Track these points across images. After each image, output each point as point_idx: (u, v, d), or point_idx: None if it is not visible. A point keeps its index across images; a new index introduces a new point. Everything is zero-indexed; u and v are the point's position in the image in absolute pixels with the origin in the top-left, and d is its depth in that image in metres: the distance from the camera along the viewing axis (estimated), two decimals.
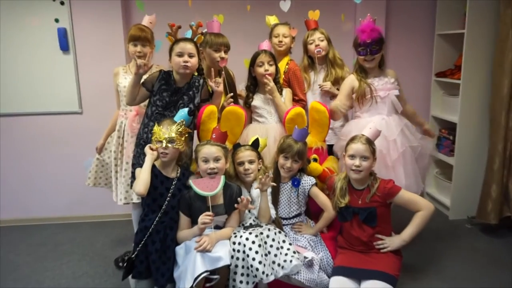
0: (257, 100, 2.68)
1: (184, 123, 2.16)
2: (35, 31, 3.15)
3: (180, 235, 2.12)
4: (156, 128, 2.14)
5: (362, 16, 2.64)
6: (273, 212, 2.27)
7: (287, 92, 2.70)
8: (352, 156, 2.18)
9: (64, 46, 3.18)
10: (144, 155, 2.15)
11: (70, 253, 2.92)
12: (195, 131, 2.44)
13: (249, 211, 2.24)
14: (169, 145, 2.10)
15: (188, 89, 2.35)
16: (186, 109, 2.22)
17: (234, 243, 2.03)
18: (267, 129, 2.61)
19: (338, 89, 2.70)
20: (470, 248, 2.83)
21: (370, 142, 2.20)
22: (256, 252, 1.97)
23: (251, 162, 2.29)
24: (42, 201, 3.42)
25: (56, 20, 3.15)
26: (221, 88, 2.41)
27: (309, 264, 2.12)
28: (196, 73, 2.42)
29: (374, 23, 2.47)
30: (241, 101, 2.77)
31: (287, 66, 2.79)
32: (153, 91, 2.33)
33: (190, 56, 2.27)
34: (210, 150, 2.14)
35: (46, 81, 3.23)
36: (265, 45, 2.64)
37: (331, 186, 2.32)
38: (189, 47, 2.28)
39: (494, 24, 3.02)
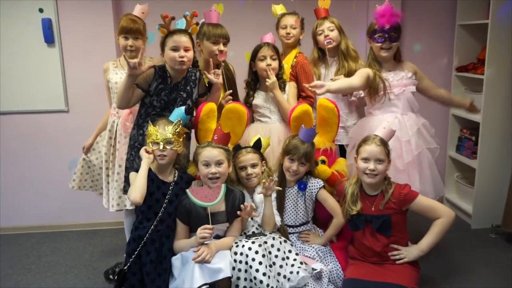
0: (258, 98, 2.70)
1: (181, 122, 2.17)
2: (17, 22, 3.17)
3: (176, 245, 2.15)
4: (151, 128, 2.15)
5: (374, 4, 2.66)
6: (278, 219, 2.29)
7: (290, 86, 2.70)
8: (366, 159, 2.20)
9: (49, 39, 3.21)
10: (139, 158, 2.17)
11: (56, 265, 2.94)
12: (193, 131, 2.46)
13: (252, 218, 2.26)
14: (167, 147, 2.12)
15: (186, 84, 2.37)
16: (182, 108, 2.23)
17: (235, 253, 2.05)
18: (270, 129, 2.63)
19: None
20: (494, 260, 2.84)
21: (384, 143, 2.21)
22: (260, 263, 1.99)
23: (253, 166, 2.31)
24: (24, 208, 3.44)
25: (40, 10, 3.18)
26: (220, 80, 2.43)
27: (318, 277, 2.14)
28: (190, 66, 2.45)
29: (393, 8, 2.46)
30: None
31: (295, 60, 2.80)
32: (149, 91, 2.33)
33: (186, 50, 2.29)
34: (211, 153, 2.16)
35: (29, 76, 3.25)
36: (268, 37, 2.66)
37: (341, 192, 2.34)
38: (184, 40, 2.29)
39: None
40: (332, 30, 2.78)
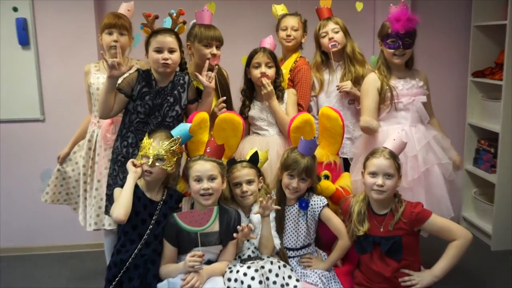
0: (255, 109, 2.71)
1: (180, 140, 2.17)
2: None
3: (163, 269, 2.13)
4: (145, 140, 2.15)
5: (382, 6, 2.68)
6: (277, 241, 2.29)
7: (289, 94, 2.71)
8: (373, 174, 2.20)
9: (24, 40, 3.22)
10: (123, 173, 2.17)
11: None
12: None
13: (248, 240, 2.25)
14: (157, 163, 2.12)
15: (173, 89, 2.38)
16: (188, 125, 2.23)
17: (229, 279, 2.03)
18: (268, 142, 2.63)
19: (360, 91, 2.69)
20: None
21: (394, 157, 2.22)
22: None
23: (249, 182, 2.31)
24: None
25: (15, 9, 3.20)
26: (213, 83, 2.42)
27: None
28: (178, 69, 2.46)
29: (409, 11, 2.47)
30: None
31: (294, 64, 2.82)
32: (132, 95, 2.34)
33: (171, 51, 2.30)
34: (203, 166, 2.15)
35: (1, 82, 3.26)
36: (268, 41, 2.67)
37: (346, 210, 2.34)
38: (169, 40, 2.30)
39: None
40: (336, 32, 2.80)
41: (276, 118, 2.65)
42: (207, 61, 2.45)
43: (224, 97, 2.62)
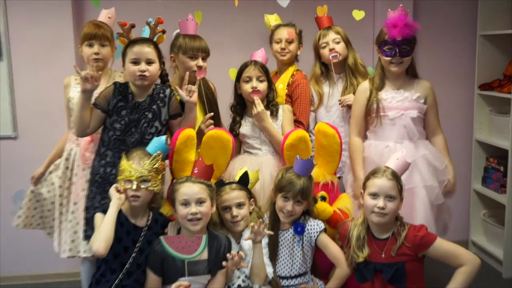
0: (246, 126, 2.72)
1: (161, 156, 2.18)
2: None
3: None
4: (124, 163, 2.15)
5: (382, 13, 2.73)
6: (269, 270, 2.29)
7: (284, 110, 2.73)
8: (374, 195, 2.22)
9: None
10: (101, 195, 2.18)
11: None
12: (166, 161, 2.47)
13: (239, 269, 2.25)
14: (142, 186, 2.12)
15: (151, 103, 2.38)
16: (163, 137, 2.24)
17: None
18: (260, 162, 2.65)
19: None
20: None
21: (397, 178, 2.24)
22: None
23: (239, 205, 2.31)
24: None
25: None
26: (194, 98, 2.42)
27: None
28: (159, 81, 2.48)
29: (407, 17, 2.52)
30: None
31: (291, 78, 2.85)
32: (109, 110, 2.35)
33: (149, 62, 2.32)
34: (191, 189, 2.15)
35: None
36: (260, 54, 2.71)
37: (344, 235, 2.35)
38: (147, 50, 2.32)
39: None
40: (338, 43, 2.85)
41: (272, 141, 2.67)
42: (187, 73, 2.45)
43: (212, 113, 2.63)
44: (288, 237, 2.38)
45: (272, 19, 2.99)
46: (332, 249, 2.35)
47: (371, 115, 2.60)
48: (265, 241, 2.30)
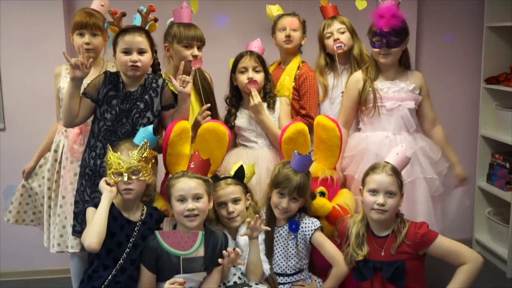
0: (242, 119, 2.73)
1: (148, 145, 2.19)
2: None
3: None
4: (111, 155, 2.15)
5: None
6: (266, 267, 2.30)
7: (282, 103, 2.75)
8: (374, 191, 2.24)
9: None
10: (91, 188, 2.18)
11: None
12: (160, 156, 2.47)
13: (235, 266, 2.26)
14: (133, 177, 2.13)
15: (143, 93, 2.39)
16: (150, 127, 2.25)
17: None
18: (256, 156, 2.65)
19: None
20: None
21: (397, 173, 2.26)
22: None
23: (235, 201, 2.32)
24: None
25: None
26: (188, 88, 2.42)
27: None
28: (151, 70, 2.48)
29: (398, 7, 2.56)
30: None
31: (298, 71, 2.87)
32: (99, 100, 2.36)
33: (141, 52, 2.32)
34: (187, 184, 2.15)
35: None
36: (255, 45, 2.72)
37: (343, 232, 2.36)
38: (139, 40, 2.32)
39: None
40: (343, 33, 2.85)
41: (268, 134, 2.68)
42: (182, 63, 2.45)
43: (209, 104, 2.63)
44: (283, 234, 2.39)
45: (274, 10, 2.99)
46: (328, 248, 2.35)
47: (367, 106, 2.64)
48: (261, 237, 2.31)
